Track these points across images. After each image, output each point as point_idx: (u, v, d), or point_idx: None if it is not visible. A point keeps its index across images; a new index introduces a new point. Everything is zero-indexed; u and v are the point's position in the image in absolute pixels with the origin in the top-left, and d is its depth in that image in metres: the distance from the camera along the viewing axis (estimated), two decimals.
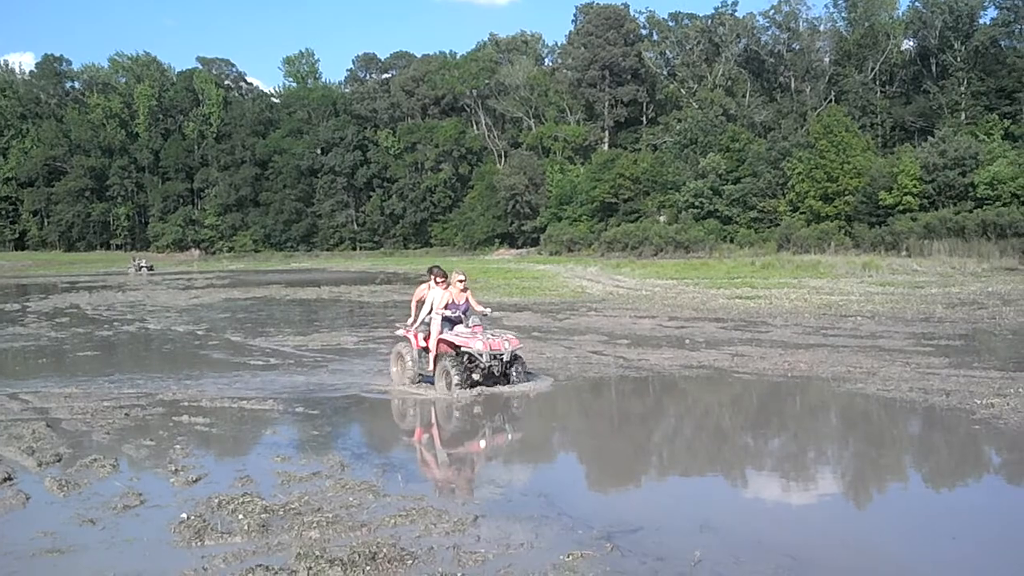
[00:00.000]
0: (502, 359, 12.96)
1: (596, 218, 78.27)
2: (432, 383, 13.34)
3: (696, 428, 11.33)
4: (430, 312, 13.57)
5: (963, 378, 13.40)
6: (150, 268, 71.20)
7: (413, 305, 14.36)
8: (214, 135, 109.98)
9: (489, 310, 14.29)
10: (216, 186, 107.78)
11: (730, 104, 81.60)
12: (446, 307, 13.49)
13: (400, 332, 14.57)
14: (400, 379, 14.09)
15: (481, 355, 12.80)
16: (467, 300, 13.79)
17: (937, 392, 12.33)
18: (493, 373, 12.97)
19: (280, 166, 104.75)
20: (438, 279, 13.72)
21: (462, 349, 13.07)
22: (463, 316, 13.57)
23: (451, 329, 13.39)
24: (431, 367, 13.44)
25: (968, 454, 9.91)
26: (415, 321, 14.00)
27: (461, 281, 13.83)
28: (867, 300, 26.60)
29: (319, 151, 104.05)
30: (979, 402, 11.55)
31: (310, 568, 6.12)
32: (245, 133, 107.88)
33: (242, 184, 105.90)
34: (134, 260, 75.53)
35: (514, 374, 13.21)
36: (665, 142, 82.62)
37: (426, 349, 13.63)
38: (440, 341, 13.31)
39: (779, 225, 65.05)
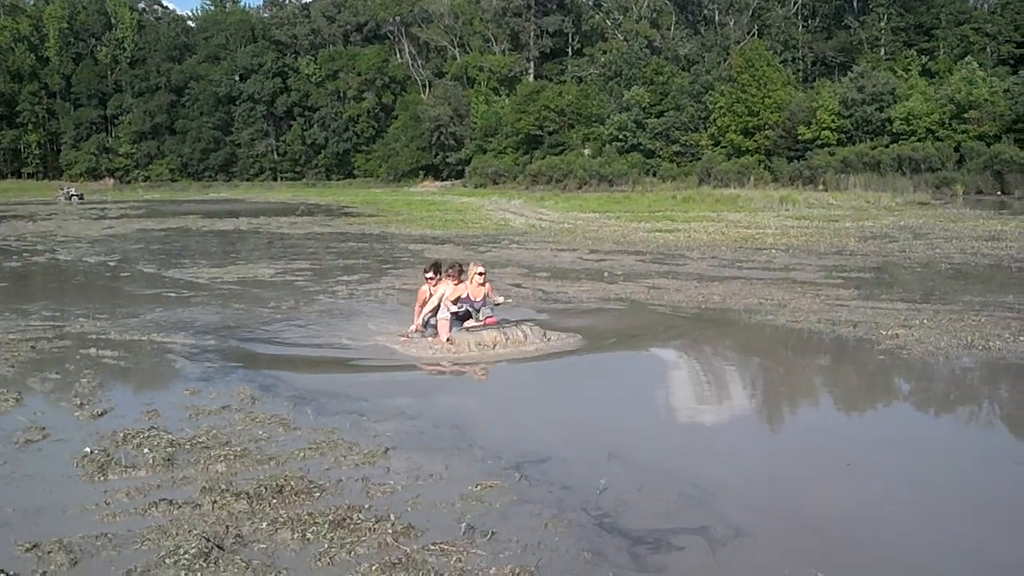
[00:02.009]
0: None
1: (521, 150, 77.98)
2: None
3: (607, 358, 11.41)
4: (433, 312, 11.81)
5: (871, 310, 13.78)
6: (80, 197, 68.43)
7: (416, 310, 12.31)
8: (128, 60, 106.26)
9: (503, 298, 12.34)
10: (130, 113, 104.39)
11: (655, 36, 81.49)
12: (455, 301, 11.75)
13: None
14: None
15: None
16: (485, 297, 11.95)
17: (845, 323, 12.66)
18: None
19: (197, 93, 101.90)
20: (450, 271, 12.02)
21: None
22: (472, 309, 11.79)
23: (460, 327, 11.64)
24: None
25: (871, 383, 10.19)
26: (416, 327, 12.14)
27: (480, 274, 11.93)
28: (783, 233, 27.09)
29: (237, 78, 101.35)
30: (885, 333, 11.89)
31: (215, 502, 6.07)
32: (160, 58, 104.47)
33: (157, 111, 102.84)
34: (63, 189, 72.41)
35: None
36: (590, 74, 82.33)
37: None
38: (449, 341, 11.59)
39: (701, 159, 65.59)
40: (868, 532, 5.75)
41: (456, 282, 11.95)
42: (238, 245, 29.17)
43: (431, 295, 12.01)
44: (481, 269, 12.04)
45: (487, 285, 12.07)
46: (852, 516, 6.02)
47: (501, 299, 12.23)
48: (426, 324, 12.01)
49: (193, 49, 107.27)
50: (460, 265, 12.35)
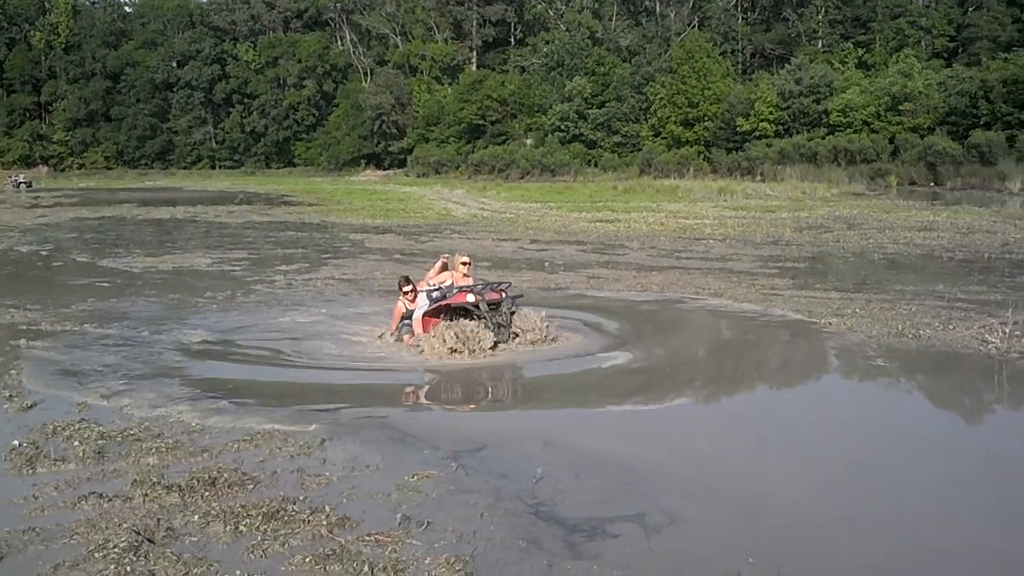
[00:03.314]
0: (501, 309, 10.99)
1: (464, 140, 77.72)
2: None
3: (540, 347, 11.24)
4: (409, 316, 11.41)
5: (805, 299, 14.01)
6: (28, 184, 66.99)
7: (392, 325, 11.79)
8: (62, 46, 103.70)
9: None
10: (65, 99, 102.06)
11: (596, 27, 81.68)
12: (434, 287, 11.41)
13: None
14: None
15: (478, 307, 10.87)
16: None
17: (779, 312, 12.86)
18: (500, 327, 10.89)
19: (133, 79, 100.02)
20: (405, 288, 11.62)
21: (452, 304, 11.05)
22: (446, 291, 11.32)
23: (430, 305, 11.23)
24: None
25: (803, 371, 10.35)
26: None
27: (465, 264, 11.73)
28: (720, 224, 27.40)
29: (174, 64, 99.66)
30: (818, 322, 12.13)
31: (146, 495, 5.99)
32: (96, 44, 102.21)
33: (93, 98, 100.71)
34: (11, 177, 70.91)
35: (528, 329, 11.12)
36: (532, 64, 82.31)
37: None
38: (425, 317, 11.14)
39: (641, 150, 65.97)
40: (800, 517, 5.86)
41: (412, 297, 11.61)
42: (174, 234, 28.76)
43: (407, 311, 11.53)
44: (466, 259, 11.92)
45: (471, 278, 11.80)
46: (784, 501, 6.13)
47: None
48: (400, 326, 11.64)
49: (129, 35, 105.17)
50: (445, 262, 12.04)
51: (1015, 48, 58.47)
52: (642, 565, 5.13)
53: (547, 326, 11.28)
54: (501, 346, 10.78)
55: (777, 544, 5.43)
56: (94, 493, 6.05)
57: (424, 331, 11.07)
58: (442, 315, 11.15)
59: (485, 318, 10.85)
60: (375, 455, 6.95)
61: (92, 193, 59.13)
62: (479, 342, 10.58)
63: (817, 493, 6.30)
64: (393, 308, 11.92)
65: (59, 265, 20.52)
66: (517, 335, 11.05)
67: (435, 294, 11.23)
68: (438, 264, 11.92)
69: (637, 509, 5.89)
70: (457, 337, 10.58)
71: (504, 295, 11.14)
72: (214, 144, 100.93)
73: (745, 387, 9.88)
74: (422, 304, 11.30)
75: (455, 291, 11.17)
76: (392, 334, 11.69)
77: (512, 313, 11.14)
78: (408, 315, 11.51)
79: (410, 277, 12.04)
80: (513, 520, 5.70)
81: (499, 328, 10.89)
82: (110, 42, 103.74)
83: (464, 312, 11.04)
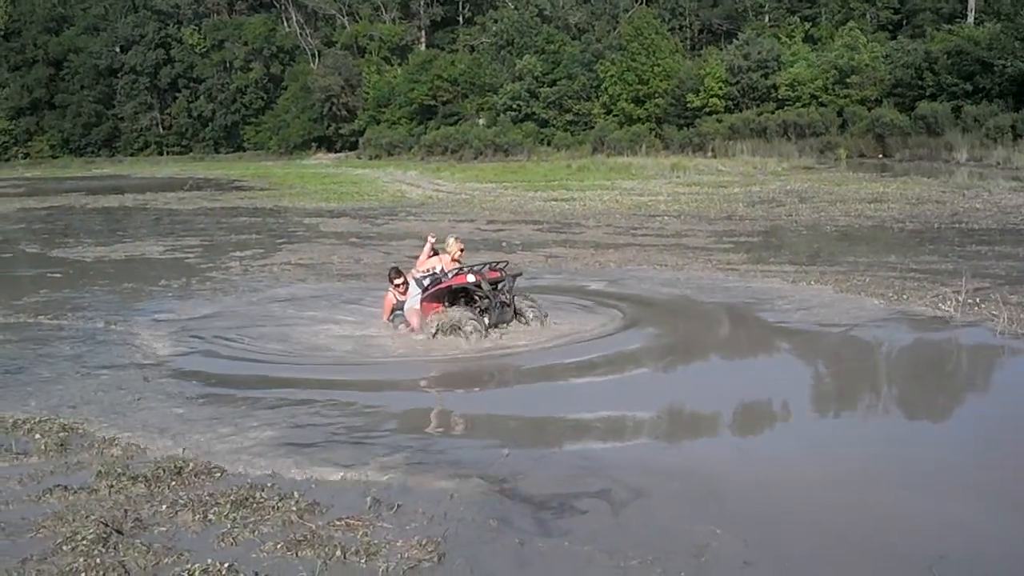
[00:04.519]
0: (502, 287, 10.76)
1: (415, 121, 77.23)
2: None
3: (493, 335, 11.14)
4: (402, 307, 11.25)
5: (760, 272, 14.17)
6: None
7: (384, 318, 11.60)
8: (2, 33, 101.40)
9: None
10: (6, 88, 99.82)
11: (545, 4, 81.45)
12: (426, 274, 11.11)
13: None
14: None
15: (479, 286, 10.61)
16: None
17: (734, 286, 13.02)
18: (504, 306, 10.73)
19: (76, 66, 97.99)
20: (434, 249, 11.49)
21: (454, 286, 10.79)
22: (440, 276, 10.98)
23: (425, 293, 10.94)
24: None
25: (759, 344, 10.44)
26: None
27: (461, 251, 11.40)
28: (674, 200, 27.53)
29: (118, 49, 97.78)
30: (773, 294, 12.28)
31: (112, 486, 5.94)
32: (37, 30, 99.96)
33: (35, 85, 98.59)
34: None
35: (528, 308, 10.95)
36: (482, 43, 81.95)
37: None
38: (425, 303, 10.83)
39: (594, 128, 66.04)
40: (762, 488, 5.95)
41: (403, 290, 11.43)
42: (124, 222, 28.35)
43: (399, 302, 11.37)
44: (462, 246, 11.59)
45: (460, 264, 11.42)
46: (746, 473, 6.23)
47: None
48: (393, 316, 11.49)
49: (71, 20, 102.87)
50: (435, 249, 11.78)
51: (958, 19, 59.27)
52: (611, 539, 5.19)
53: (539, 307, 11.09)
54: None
55: (742, 516, 5.50)
56: (59, 486, 6.00)
57: (425, 317, 10.81)
58: (443, 299, 10.93)
59: (488, 298, 10.68)
60: (342, 438, 6.96)
61: (38, 183, 58.08)
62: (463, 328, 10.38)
63: (776, 464, 6.40)
64: (383, 299, 11.70)
65: (8, 256, 20.17)
66: (520, 313, 10.91)
67: (426, 281, 10.98)
68: (427, 248, 11.70)
69: (602, 486, 5.94)
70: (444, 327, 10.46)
71: (504, 273, 10.97)
72: (161, 130, 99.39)
73: (700, 362, 9.94)
74: (415, 293, 11.04)
75: (452, 273, 10.94)
76: (388, 322, 11.52)
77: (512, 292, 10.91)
78: (399, 306, 11.37)
79: (400, 268, 11.72)
80: (482, 500, 5.74)
81: (503, 307, 10.75)
82: (51, 28, 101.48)
83: (465, 293, 10.90)
